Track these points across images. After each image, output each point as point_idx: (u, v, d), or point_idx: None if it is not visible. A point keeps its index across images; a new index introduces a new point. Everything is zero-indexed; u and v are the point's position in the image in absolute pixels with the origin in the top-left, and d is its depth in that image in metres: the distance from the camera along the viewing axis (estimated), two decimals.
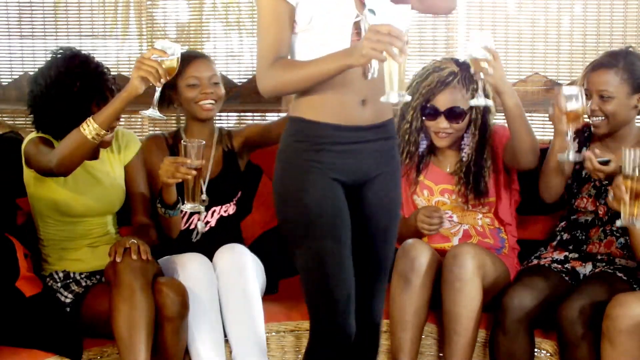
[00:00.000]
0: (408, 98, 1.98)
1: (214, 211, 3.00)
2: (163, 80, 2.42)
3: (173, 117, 3.45)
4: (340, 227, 2.15)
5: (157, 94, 2.47)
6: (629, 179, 2.26)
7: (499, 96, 2.69)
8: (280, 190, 2.21)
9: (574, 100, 2.47)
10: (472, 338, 2.71)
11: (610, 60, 2.82)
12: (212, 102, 2.96)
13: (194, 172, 2.54)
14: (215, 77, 2.99)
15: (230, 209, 3.04)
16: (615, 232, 2.86)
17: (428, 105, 2.91)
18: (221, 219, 3.01)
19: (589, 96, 2.82)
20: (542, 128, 3.52)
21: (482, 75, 2.48)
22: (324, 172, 2.14)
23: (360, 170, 2.19)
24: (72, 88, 2.73)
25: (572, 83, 3.26)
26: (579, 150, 2.95)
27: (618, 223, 2.34)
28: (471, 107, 2.88)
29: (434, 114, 2.90)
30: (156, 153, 2.97)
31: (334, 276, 2.16)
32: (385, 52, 1.89)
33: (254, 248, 3.00)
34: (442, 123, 2.90)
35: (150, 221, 2.90)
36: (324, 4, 2.08)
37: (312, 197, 2.13)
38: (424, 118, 2.93)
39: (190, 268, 2.77)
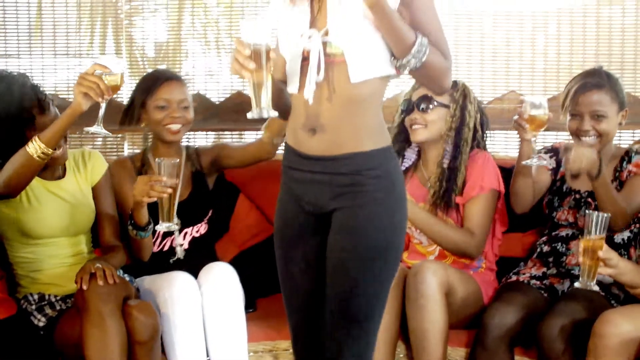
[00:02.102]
0: (272, 114, 1.90)
1: (186, 233, 2.97)
2: (106, 97, 2.36)
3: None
4: (291, 248, 2.11)
5: (101, 110, 2.40)
6: (589, 241, 2.36)
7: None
8: None
9: (538, 108, 2.56)
10: (442, 355, 2.70)
11: (598, 81, 2.88)
12: (179, 126, 2.93)
13: (169, 191, 2.52)
14: (185, 101, 2.95)
15: (202, 228, 3.02)
16: None
17: (407, 101, 2.99)
18: (194, 240, 3.00)
19: (577, 117, 2.86)
20: (517, 145, 3.55)
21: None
22: (287, 192, 2.12)
23: (314, 200, 2.06)
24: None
25: None
26: (556, 169, 3.00)
27: (576, 284, 2.44)
28: (447, 105, 2.92)
29: (409, 107, 2.97)
30: (124, 176, 2.96)
31: (286, 296, 2.15)
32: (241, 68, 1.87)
33: (232, 266, 2.98)
34: (415, 114, 2.94)
35: (118, 242, 2.87)
36: (283, 26, 2.05)
37: (277, 213, 2.15)
38: (403, 115, 2.99)
39: (176, 285, 2.75)
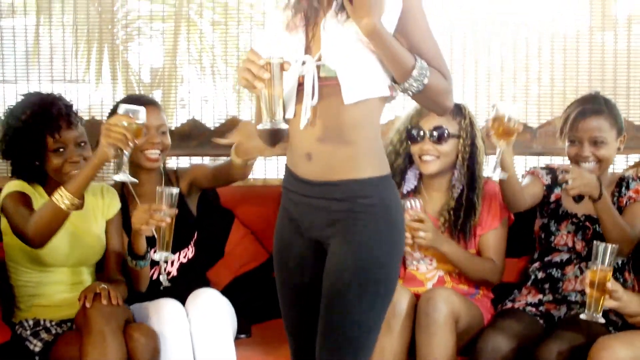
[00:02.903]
0: (283, 126, 1.90)
1: (173, 260, 2.95)
2: (132, 145, 2.41)
3: None
4: (285, 270, 2.12)
5: (125, 158, 2.43)
6: (596, 272, 2.36)
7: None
8: None
9: (507, 116, 2.52)
10: None
11: (597, 107, 2.89)
12: (158, 152, 2.92)
13: (168, 220, 2.53)
14: (163, 126, 2.94)
15: (189, 252, 3.00)
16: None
17: (413, 128, 2.92)
18: (182, 266, 2.97)
19: (576, 143, 2.87)
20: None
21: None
22: (286, 216, 2.11)
23: (311, 226, 2.05)
24: (21, 117, 2.73)
25: None
26: (552, 186, 2.99)
27: (582, 316, 2.43)
28: (459, 135, 2.89)
29: (419, 135, 2.91)
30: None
31: (284, 314, 2.16)
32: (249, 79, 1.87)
33: (226, 293, 2.97)
34: (427, 144, 2.89)
35: (122, 277, 2.86)
36: (276, 50, 1.98)
37: (276, 236, 2.15)
38: (409, 142, 2.94)
39: (163, 313, 2.74)
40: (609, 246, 2.35)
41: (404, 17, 1.97)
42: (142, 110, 2.44)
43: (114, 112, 2.87)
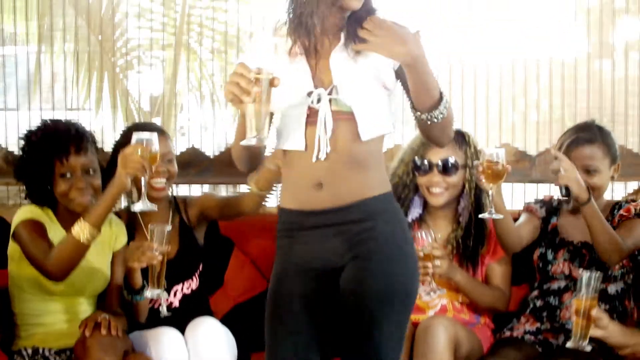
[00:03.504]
0: (265, 142, 1.90)
1: (176, 290, 2.93)
2: (149, 172, 2.42)
3: None
4: (286, 315, 2.11)
5: (143, 188, 2.45)
6: (581, 301, 2.36)
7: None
8: None
9: (495, 160, 2.53)
10: None
11: (590, 135, 2.89)
12: (164, 180, 2.90)
13: (160, 257, 2.53)
14: (169, 154, 2.93)
15: (193, 284, 2.98)
16: None
17: (421, 159, 2.92)
18: (184, 297, 2.96)
19: None
20: (511, 198, 3.57)
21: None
22: (286, 258, 2.10)
23: (323, 256, 2.07)
24: (33, 139, 2.74)
25: None
26: (548, 217, 3.00)
27: (568, 345, 2.43)
28: (465, 165, 2.89)
29: (427, 167, 2.91)
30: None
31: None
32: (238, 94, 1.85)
33: (226, 321, 2.96)
34: (436, 177, 2.90)
35: (122, 311, 2.85)
36: (282, 85, 1.96)
37: (272, 284, 2.14)
38: (417, 173, 2.94)
39: (162, 342, 2.73)
40: (594, 274, 2.36)
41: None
42: (155, 137, 2.45)
43: (124, 137, 2.93)
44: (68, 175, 2.72)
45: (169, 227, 2.56)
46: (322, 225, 2.05)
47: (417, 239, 2.78)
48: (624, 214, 2.87)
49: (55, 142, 2.73)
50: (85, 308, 2.84)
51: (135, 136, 2.44)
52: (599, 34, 3.64)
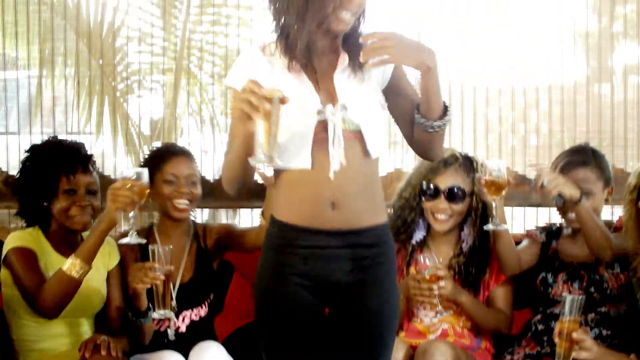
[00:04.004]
0: (278, 162, 1.87)
1: (185, 316, 2.92)
2: (138, 206, 2.44)
3: None
4: (290, 333, 2.09)
5: (132, 220, 2.46)
6: (564, 323, 2.37)
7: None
8: (255, 287, 2.19)
9: (497, 173, 2.56)
10: None
11: (584, 159, 2.90)
12: (187, 202, 2.90)
13: (162, 278, 2.52)
14: (193, 176, 2.93)
15: (202, 311, 2.96)
16: (589, 322, 2.87)
17: (428, 184, 2.93)
18: (193, 323, 2.94)
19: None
20: (511, 221, 3.56)
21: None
22: (287, 276, 2.08)
23: (327, 277, 2.07)
24: (40, 154, 2.77)
25: None
26: (548, 242, 3.00)
27: None
28: (472, 193, 2.90)
29: (434, 193, 2.91)
30: (126, 252, 2.92)
31: None
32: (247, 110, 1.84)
33: (226, 345, 2.95)
34: (442, 203, 2.90)
35: (121, 331, 2.84)
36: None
37: (272, 304, 2.11)
38: (423, 198, 2.94)
39: None
40: (576, 297, 2.37)
41: (396, 75, 2.14)
42: (145, 172, 2.47)
43: (151, 158, 2.97)
44: (72, 192, 2.74)
45: (170, 247, 2.55)
46: (330, 246, 2.05)
47: (419, 263, 2.78)
48: (617, 225, 2.89)
49: (63, 157, 2.76)
50: (84, 329, 2.83)
51: (125, 171, 2.46)
52: (598, 58, 3.65)
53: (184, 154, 2.98)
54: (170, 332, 2.85)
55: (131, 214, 2.44)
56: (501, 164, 2.57)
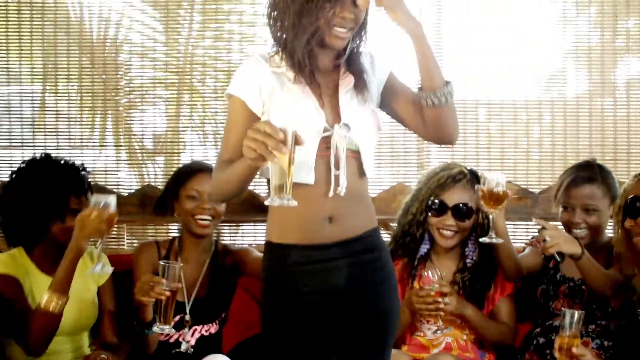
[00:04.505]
0: (292, 203, 1.84)
1: (195, 330, 2.93)
2: (106, 234, 2.44)
3: None
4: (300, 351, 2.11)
5: (100, 249, 2.49)
6: (564, 338, 2.38)
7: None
8: (262, 309, 2.20)
9: (496, 184, 2.55)
10: None
11: (590, 175, 2.91)
12: (209, 218, 2.91)
13: (168, 293, 2.51)
14: None
15: (212, 328, 2.97)
16: (590, 333, 2.87)
17: (435, 200, 2.93)
18: (202, 338, 2.95)
19: (569, 209, 2.88)
20: (513, 235, 3.56)
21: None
22: (292, 295, 2.10)
23: (331, 288, 2.10)
24: (47, 175, 2.74)
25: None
26: (548, 260, 2.99)
27: None
28: (479, 209, 2.89)
29: (441, 209, 2.91)
30: (145, 261, 2.93)
31: None
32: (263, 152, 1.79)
33: (231, 357, 2.95)
34: (449, 220, 2.90)
35: (119, 340, 2.85)
36: (293, 116, 1.94)
37: (280, 325, 2.13)
38: (429, 214, 2.94)
39: None
40: (576, 313, 2.37)
41: (391, 80, 2.21)
42: (112, 198, 2.47)
43: (176, 176, 2.98)
44: (78, 212, 2.71)
45: (180, 264, 2.55)
46: (330, 258, 2.09)
47: (423, 278, 2.77)
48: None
49: (72, 178, 2.76)
50: (81, 344, 2.83)
51: (94, 198, 2.46)
52: (600, 72, 3.66)
53: (208, 170, 2.97)
54: (186, 346, 2.87)
55: (99, 243, 2.43)
56: (500, 176, 2.57)
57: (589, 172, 2.92)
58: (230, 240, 3.69)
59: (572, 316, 2.37)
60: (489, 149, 3.70)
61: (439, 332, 2.88)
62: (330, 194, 2.05)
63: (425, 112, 2.10)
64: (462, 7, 3.68)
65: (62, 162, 2.83)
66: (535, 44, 3.66)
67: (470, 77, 3.68)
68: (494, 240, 2.61)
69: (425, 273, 2.77)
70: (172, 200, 2.97)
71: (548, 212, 3.54)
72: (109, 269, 2.54)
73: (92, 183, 2.88)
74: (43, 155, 2.86)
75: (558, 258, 2.69)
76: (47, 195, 2.72)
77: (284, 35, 2.06)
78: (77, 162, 2.87)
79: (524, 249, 3.08)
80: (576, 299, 2.91)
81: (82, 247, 2.45)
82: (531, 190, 3.62)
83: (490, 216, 2.61)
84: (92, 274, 2.52)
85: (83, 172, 2.82)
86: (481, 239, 2.69)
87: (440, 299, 2.73)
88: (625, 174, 3.57)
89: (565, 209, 2.93)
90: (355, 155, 2.10)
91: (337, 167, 2.05)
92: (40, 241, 2.76)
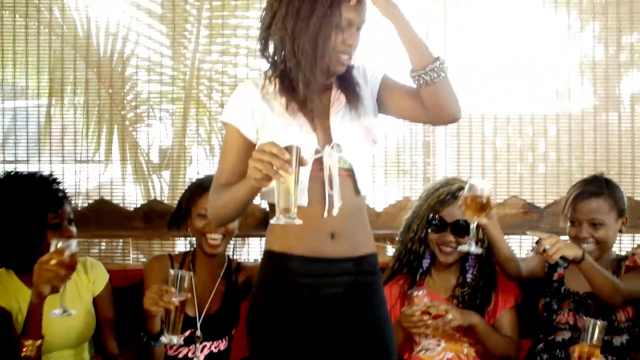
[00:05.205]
0: (297, 222, 1.88)
1: (204, 346, 2.91)
2: (67, 279, 2.40)
3: None
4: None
5: (62, 291, 2.42)
6: (585, 347, 2.38)
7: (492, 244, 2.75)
8: (253, 320, 2.21)
9: (480, 192, 2.53)
10: None
11: (597, 189, 2.91)
12: (219, 237, 2.89)
13: (176, 303, 2.50)
14: None
15: (222, 345, 2.94)
16: None
17: (435, 217, 2.93)
18: (211, 354, 2.92)
19: (576, 224, 2.89)
20: (519, 249, 3.57)
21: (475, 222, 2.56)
22: (290, 299, 2.11)
23: (329, 300, 2.12)
24: (18, 198, 2.71)
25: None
26: (554, 267, 2.99)
27: None
28: (478, 226, 2.89)
29: (440, 226, 2.91)
30: (157, 273, 2.90)
31: None
32: (268, 172, 1.83)
33: None
34: (448, 236, 2.90)
35: (120, 352, 2.84)
36: (285, 140, 1.94)
37: (269, 341, 2.14)
38: (429, 230, 2.94)
39: None
40: (598, 323, 2.37)
41: (384, 81, 2.22)
42: (73, 242, 2.43)
43: (188, 192, 2.95)
44: (57, 226, 2.71)
45: (190, 273, 2.54)
46: (333, 273, 2.11)
47: (413, 298, 2.75)
48: (630, 264, 2.88)
49: (45, 193, 2.72)
50: (83, 357, 2.82)
51: (54, 243, 2.41)
52: (605, 87, 3.67)
53: None
54: (197, 357, 2.85)
55: (62, 288, 2.40)
56: (485, 183, 2.56)
57: (595, 186, 2.93)
58: (236, 254, 3.69)
59: (595, 326, 2.37)
60: (495, 163, 3.70)
61: (429, 351, 2.89)
62: (325, 214, 2.08)
63: (422, 94, 2.07)
64: (467, 29, 3.70)
65: (30, 178, 2.79)
66: (540, 59, 3.68)
67: (476, 93, 3.70)
68: (472, 250, 2.58)
69: (415, 294, 2.76)
70: (185, 216, 2.96)
71: (554, 227, 3.56)
72: (72, 312, 2.51)
73: (66, 193, 2.81)
74: (11, 173, 2.81)
75: (562, 263, 2.69)
76: (22, 218, 2.69)
77: (285, 62, 2.08)
78: (45, 174, 2.83)
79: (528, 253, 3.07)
80: (582, 312, 2.90)
81: (42, 292, 2.40)
82: (537, 204, 3.63)
83: (472, 225, 2.58)
84: (53, 316, 2.50)
85: (54, 184, 2.78)
86: (459, 247, 2.66)
87: (426, 317, 2.71)
88: (630, 188, 3.59)
89: (572, 223, 2.94)
90: (349, 173, 2.13)
91: (331, 187, 2.08)
92: (27, 260, 2.69)
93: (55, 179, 2.81)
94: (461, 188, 2.92)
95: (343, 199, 2.09)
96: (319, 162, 2.09)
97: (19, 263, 2.73)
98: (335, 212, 2.07)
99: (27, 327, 2.50)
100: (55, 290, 2.38)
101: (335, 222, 2.10)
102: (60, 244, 2.39)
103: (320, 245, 2.10)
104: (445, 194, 2.92)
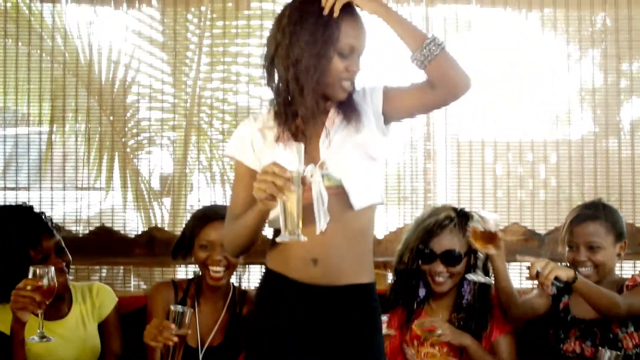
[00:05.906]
0: (302, 239, 1.89)
1: None
2: (44, 305, 2.40)
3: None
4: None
5: (41, 319, 2.41)
6: None
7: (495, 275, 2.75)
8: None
9: (487, 223, 2.55)
10: None
11: (594, 213, 2.91)
12: (222, 269, 2.84)
13: (175, 339, 2.49)
14: None
15: None
16: None
17: (424, 248, 2.92)
18: None
19: (573, 248, 2.89)
20: (520, 276, 3.56)
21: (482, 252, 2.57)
22: (288, 309, 2.10)
23: (304, 328, 2.09)
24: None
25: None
26: (559, 296, 2.98)
27: None
28: (469, 252, 2.88)
29: (430, 257, 2.90)
30: (160, 300, 2.88)
31: None
32: (272, 192, 1.86)
33: None
34: (438, 267, 2.88)
35: None
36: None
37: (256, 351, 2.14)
38: (420, 261, 2.94)
39: None
40: (614, 353, 2.35)
41: (387, 93, 2.16)
42: (50, 270, 2.43)
43: (192, 221, 2.90)
44: (45, 259, 2.69)
45: (190, 310, 2.53)
46: (312, 302, 2.08)
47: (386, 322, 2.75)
48: (630, 283, 2.88)
49: (28, 227, 2.71)
50: None
51: (31, 270, 2.41)
52: (605, 114, 3.69)
53: (221, 218, 2.92)
54: None
55: (40, 314, 2.40)
56: (492, 216, 2.57)
57: (592, 210, 2.93)
58: (236, 280, 3.67)
59: (611, 356, 2.36)
60: (495, 190, 3.71)
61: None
62: (317, 231, 2.03)
63: (428, 74, 2.06)
64: (468, 52, 3.72)
65: (9, 211, 2.78)
66: (540, 86, 3.70)
67: (476, 120, 3.71)
68: (480, 279, 2.59)
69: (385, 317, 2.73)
70: (189, 246, 2.93)
71: (554, 254, 3.55)
72: (52, 339, 2.50)
73: (47, 223, 2.78)
74: None
75: (558, 284, 2.68)
76: (9, 254, 2.68)
77: (288, 90, 2.08)
78: (27, 204, 2.83)
79: (532, 289, 3.06)
80: (588, 341, 2.89)
81: (20, 318, 2.42)
82: (538, 231, 3.63)
83: (480, 255, 2.59)
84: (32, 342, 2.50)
85: (37, 215, 2.76)
86: (467, 275, 2.67)
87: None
88: (631, 214, 3.58)
89: (570, 248, 2.93)
90: (339, 190, 2.07)
91: (323, 204, 2.05)
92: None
93: (32, 212, 2.78)
94: (448, 217, 2.92)
95: (332, 218, 2.04)
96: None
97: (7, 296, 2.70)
98: (323, 226, 2.03)
99: (12, 353, 2.50)
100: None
101: (320, 246, 2.05)
102: (38, 271, 2.39)
103: (304, 270, 2.07)
104: (433, 224, 2.91)
